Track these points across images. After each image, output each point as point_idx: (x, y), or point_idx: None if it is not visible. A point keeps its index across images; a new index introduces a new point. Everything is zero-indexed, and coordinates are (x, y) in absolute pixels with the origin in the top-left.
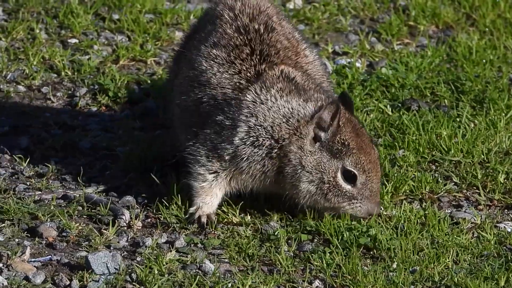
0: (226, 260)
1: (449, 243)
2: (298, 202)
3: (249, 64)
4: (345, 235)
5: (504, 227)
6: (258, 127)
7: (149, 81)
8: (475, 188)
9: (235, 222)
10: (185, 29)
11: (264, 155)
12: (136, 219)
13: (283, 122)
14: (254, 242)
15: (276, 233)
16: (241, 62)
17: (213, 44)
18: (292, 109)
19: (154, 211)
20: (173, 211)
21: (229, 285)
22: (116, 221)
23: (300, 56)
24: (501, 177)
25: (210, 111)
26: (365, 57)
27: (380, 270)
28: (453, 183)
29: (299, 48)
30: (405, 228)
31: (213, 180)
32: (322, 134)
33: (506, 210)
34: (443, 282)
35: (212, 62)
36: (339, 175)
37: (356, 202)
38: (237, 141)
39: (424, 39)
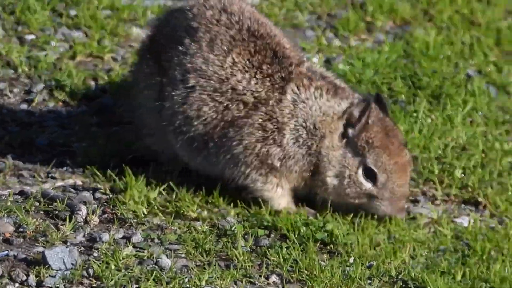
0: (183, 255)
1: (406, 238)
2: (327, 199)
3: (279, 67)
4: (302, 230)
5: (461, 222)
6: (299, 127)
7: (106, 77)
8: (432, 183)
9: (192, 217)
10: (143, 25)
11: (304, 153)
12: (93, 215)
13: (323, 119)
14: (211, 237)
15: (233, 228)
16: (268, 66)
17: (225, 51)
18: (330, 106)
19: (111, 207)
20: (130, 206)
21: (186, 280)
22: (73, 216)
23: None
24: (458, 172)
25: (244, 118)
26: (322, 53)
27: (337, 265)
28: (410, 178)
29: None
30: (362, 223)
31: (281, 191)
32: (350, 130)
33: (462, 205)
34: (400, 277)
35: (232, 69)
36: (360, 171)
37: (376, 201)
38: (285, 142)
39: (381, 35)
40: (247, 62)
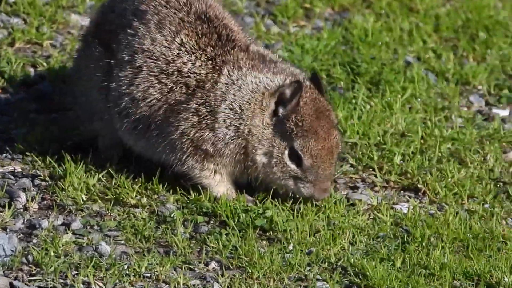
0: (122, 242)
1: (345, 224)
2: (257, 179)
3: (220, 50)
4: (241, 217)
5: (400, 208)
6: (230, 108)
7: (45, 64)
8: (371, 169)
9: (131, 204)
10: (81, 12)
11: (233, 135)
12: (32, 202)
13: (251, 97)
14: (150, 224)
15: (172, 215)
16: (212, 48)
17: (173, 32)
18: (260, 82)
19: (51, 193)
20: (69, 193)
21: (125, 267)
22: (12, 203)
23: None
24: (397, 158)
25: (183, 103)
26: (261, 40)
27: (276, 251)
28: (349, 165)
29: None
30: (301, 209)
31: (219, 178)
32: (281, 110)
33: (402, 191)
34: (339, 264)
35: (179, 51)
36: (286, 153)
37: (300, 183)
38: (216, 126)
39: (320, 22)
40: (194, 44)
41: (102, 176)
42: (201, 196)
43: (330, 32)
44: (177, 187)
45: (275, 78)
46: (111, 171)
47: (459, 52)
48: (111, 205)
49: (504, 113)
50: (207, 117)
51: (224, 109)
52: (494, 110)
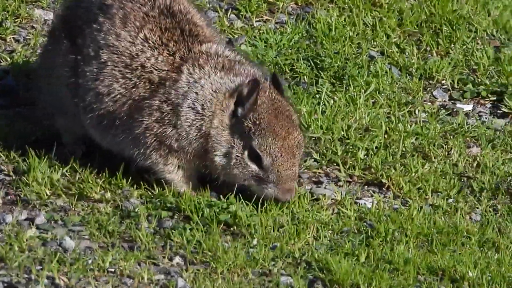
0: (87, 236)
1: (310, 219)
2: (219, 177)
3: (182, 45)
4: (205, 212)
5: (364, 203)
6: (192, 107)
7: (8, 59)
8: (335, 164)
9: (95, 198)
10: (45, 7)
11: (195, 134)
12: None
13: (214, 97)
14: (115, 218)
15: (136, 210)
16: (174, 43)
17: (137, 27)
18: (223, 83)
19: (14, 188)
20: (33, 188)
21: (90, 261)
22: None
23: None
24: (361, 153)
25: (145, 97)
26: (224, 34)
27: (241, 246)
28: (313, 160)
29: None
30: (265, 204)
31: (182, 173)
32: (240, 110)
33: (366, 186)
34: (303, 258)
35: (142, 46)
36: (246, 153)
37: (263, 184)
38: (179, 124)
39: (284, 16)
40: (158, 39)
41: (66, 171)
42: (165, 191)
43: (293, 27)
44: (141, 182)
45: (236, 79)
46: (75, 166)
47: (422, 47)
48: (75, 200)
49: (468, 107)
50: (170, 114)
51: (186, 107)
52: (458, 105)
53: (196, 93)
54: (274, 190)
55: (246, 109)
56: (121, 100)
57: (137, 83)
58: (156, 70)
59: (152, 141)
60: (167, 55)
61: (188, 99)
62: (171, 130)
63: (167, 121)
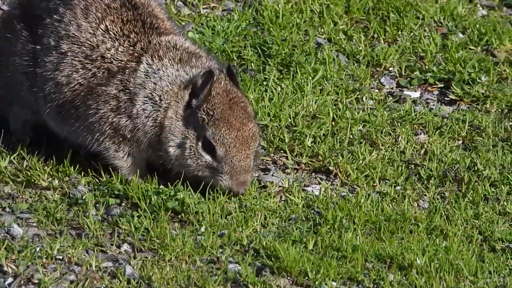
0: (34, 224)
1: (257, 206)
2: (171, 169)
3: (143, 36)
4: (153, 199)
5: (312, 190)
6: (149, 98)
7: None
8: (282, 151)
9: (43, 186)
10: None
11: (151, 125)
12: None
13: (169, 89)
14: (62, 206)
15: (84, 197)
16: (135, 35)
17: (98, 19)
18: (178, 75)
19: None
20: None
21: (38, 249)
22: None
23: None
24: (308, 140)
25: (103, 86)
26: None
27: (189, 233)
28: (261, 147)
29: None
30: (213, 192)
31: (132, 160)
32: (194, 101)
33: (313, 173)
34: (251, 246)
35: (103, 37)
36: (199, 144)
37: (218, 175)
38: (134, 114)
39: (231, 3)
40: (119, 31)
41: (14, 158)
42: (112, 178)
43: (240, 14)
44: (89, 169)
45: (191, 71)
46: (22, 153)
47: (370, 34)
48: (23, 187)
49: (415, 94)
50: (126, 103)
51: (143, 97)
52: (406, 92)
53: (154, 83)
54: (228, 182)
55: (200, 100)
56: (79, 89)
57: (96, 73)
58: (116, 60)
59: (107, 129)
60: (128, 46)
61: (145, 89)
62: (126, 120)
63: (123, 110)
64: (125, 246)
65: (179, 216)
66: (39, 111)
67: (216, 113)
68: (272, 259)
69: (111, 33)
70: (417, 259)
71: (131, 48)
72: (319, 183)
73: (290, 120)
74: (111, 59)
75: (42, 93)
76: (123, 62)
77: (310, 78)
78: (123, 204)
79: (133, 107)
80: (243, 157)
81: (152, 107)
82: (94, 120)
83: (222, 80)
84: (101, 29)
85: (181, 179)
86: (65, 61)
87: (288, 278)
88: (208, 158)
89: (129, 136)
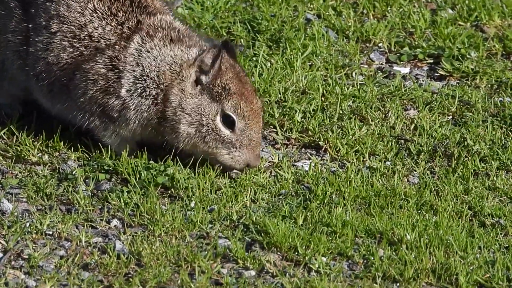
0: (24, 199)
1: (247, 181)
2: (177, 147)
3: (131, 15)
4: (143, 174)
5: (302, 165)
6: (144, 77)
7: None
8: (272, 127)
9: (32, 161)
10: None
11: (150, 103)
12: None
13: (167, 69)
14: (52, 181)
15: (73, 173)
16: (123, 14)
17: None
18: (175, 55)
19: None
20: None
21: (27, 224)
22: None
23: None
24: (298, 116)
25: (91, 65)
26: None
27: (178, 209)
28: None
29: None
30: (203, 166)
31: (120, 139)
32: (203, 77)
33: (303, 149)
34: (241, 221)
35: (91, 16)
36: (218, 118)
37: (235, 151)
38: (124, 93)
39: None
40: (106, 9)
41: (3, 133)
42: (102, 153)
43: None
44: (79, 145)
45: (190, 50)
46: (12, 128)
47: (359, 10)
48: (13, 162)
49: (405, 70)
50: (115, 83)
51: (135, 77)
52: (395, 68)
53: (149, 63)
54: (247, 155)
55: (211, 76)
56: (68, 69)
57: (84, 52)
58: (103, 39)
59: (96, 109)
60: (115, 25)
61: (138, 68)
62: (115, 100)
63: (111, 90)
64: (115, 222)
65: (169, 192)
66: (29, 88)
67: (231, 87)
68: (262, 234)
69: (98, 12)
70: (407, 234)
71: (119, 27)
72: (309, 159)
73: (280, 96)
74: (99, 38)
75: (34, 72)
76: (111, 41)
77: (300, 53)
78: (113, 179)
79: (121, 87)
80: (258, 129)
81: (148, 87)
82: (83, 99)
83: (225, 55)
84: (89, 8)
85: (172, 154)
86: (54, 40)
87: (278, 253)
88: (227, 132)
89: (116, 115)
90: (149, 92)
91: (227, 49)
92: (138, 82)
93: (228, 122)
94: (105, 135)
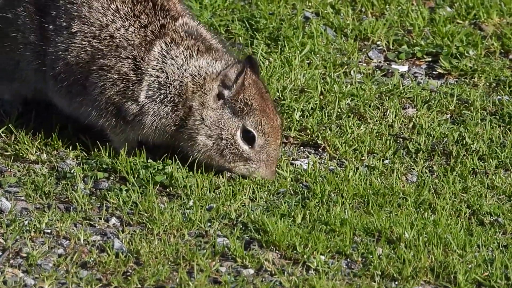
0: (23, 198)
1: (245, 180)
2: (192, 155)
3: (154, 18)
4: (141, 173)
5: (300, 164)
6: (167, 84)
7: None
8: None
9: (31, 160)
10: None
11: (169, 110)
12: None
13: (190, 80)
14: (51, 180)
15: (72, 171)
16: (146, 16)
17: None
18: (200, 67)
19: None
20: None
21: (26, 222)
22: None
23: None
24: (296, 114)
25: (111, 67)
26: None
27: (177, 207)
28: None
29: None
30: (202, 165)
31: (125, 138)
32: (226, 92)
33: (301, 147)
34: (239, 219)
35: (113, 17)
36: (238, 133)
37: (252, 164)
38: (143, 99)
39: None
40: (129, 11)
41: (2, 132)
42: (101, 152)
43: None
44: (77, 143)
45: (216, 64)
46: (10, 127)
47: (357, 8)
48: (11, 161)
49: (403, 68)
50: (135, 86)
51: (157, 83)
52: (393, 66)
53: (172, 71)
54: (264, 171)
55: (234, 91)
56: (88, 69)
57: (105, 52)
58: (125, 40)
59: (112, 110)
60: (138, 27)
61: (162, 75)
62: (131, 104)
63: (130, 93)
64: (114, 220)
65: (168, 190)
66: (42, 89)
67: (253, 103)
68: (261, 232)
69: (121, 13)
70: (406, 232)
71: (142, 29)
72: (308, 157)
73: (278, 94)
74: (121, 38)
75: (53, 73)
76: (135, 43)
77: (298, 52)
78: (112, 178)
79: (140, 91)
80: (277, 146)
81: (169, 94)
82: (100, 98)
83: (249, 71)
84: (112, 9)
85: (169, 152)
86: (74, 41)
87: (277, 251)
88: (246, 147)
89: (130, 119)
90: (170, 99)
91: (251, 65)
92: (160, 88)
93: (248, 138)
94: (113, 131)
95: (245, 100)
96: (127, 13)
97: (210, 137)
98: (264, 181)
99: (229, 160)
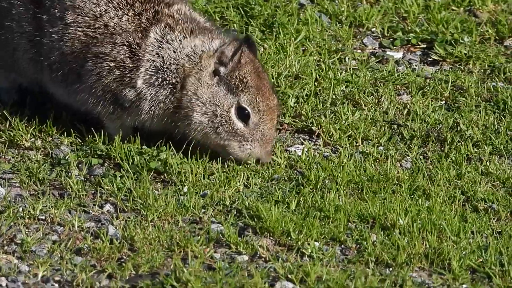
0: (17, 184)
1: (240, 166)
2: (189, 135)
3: (148, 6)
4: (135, 159)
5: (295, 150)
6: (164, 68)
7: None
8: None
9: (25, 146)
10: None
11: (168, 93)
12: None
13: (186, 61)
14: (45, 166)
15: (66, 157)
16: (140, 4)
17: None
18: (196, 46)
19: None
20: None
21: (20, 209)
22: None
23: None
24: (291, 101)
25: (106, 54)
26: None
27: (171, 194)
28: None
29: None
30: (196, 151)
31: (120, 124)
32: (222, 69)
33: (296, 133)
34: (234, 206)
35: (107, 6)
36: (232, 110)
37: (247, 144)
38: (140, 84)
39: None
40: (123, 0)
41: None
42: (95, 138)
43: None
44: (71, 130)
45: (212, 42)
46: (5, 113)
47: None
48: (6, 147)
49: (398, 55)
50: (132, 72)
51: (153, 68)
52: (388, 52)
53: (169, 54)
54: (258, 150)
55: (230, 68)
56: (82, 58)
57: (100, 40)
58: (120, 28)
59: (109, 97)
60: (133, 15)
61: (157, 58)
62: (128, 90)
63: (127, 79)
64: (108, 206)
65: (162, 176)
66: (39, 80)
67: (248, 80)
68: (255, 219)
69: (114, 2)
70: (400, 219)
71: (137, 17)
72: (302, 143)
73: (273, 81)
74: (115, 27)
75: (48, 62)
76: (129, 31)
77: (293, 38)
78: (106, 164)
79: (138, 77)
80: (272, 126)
81: (167, 77)
82: (96, 85)
83: (246, 50)
84: None
85: (164, 139)
86: (68, 31)
87: (271, 238)
88: (240, 125)
89: (127, 105)
90: (169, 81)
91: (248, 45)
92: (157, 72)
93: (243, 115)
94: (109, 118)
95: (241, 77)
96: (120, 2)
97: (205, 114)
98: (259, 167)
99: (224, 138)
